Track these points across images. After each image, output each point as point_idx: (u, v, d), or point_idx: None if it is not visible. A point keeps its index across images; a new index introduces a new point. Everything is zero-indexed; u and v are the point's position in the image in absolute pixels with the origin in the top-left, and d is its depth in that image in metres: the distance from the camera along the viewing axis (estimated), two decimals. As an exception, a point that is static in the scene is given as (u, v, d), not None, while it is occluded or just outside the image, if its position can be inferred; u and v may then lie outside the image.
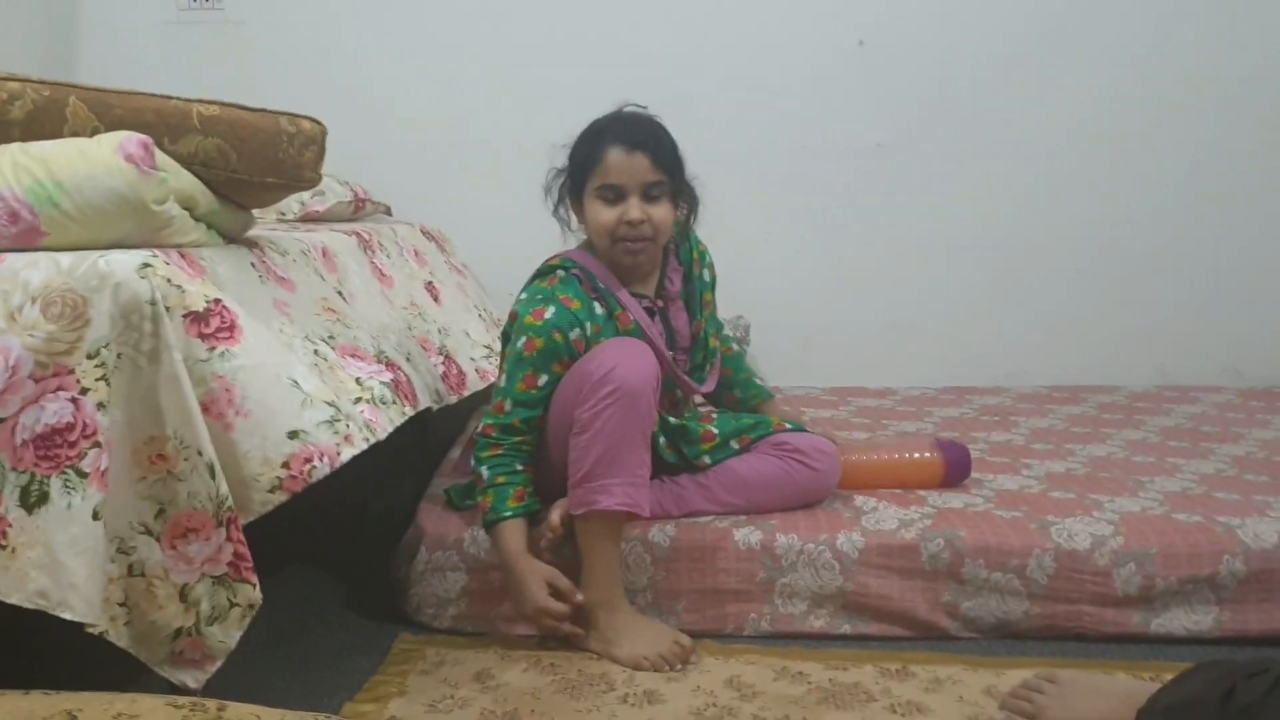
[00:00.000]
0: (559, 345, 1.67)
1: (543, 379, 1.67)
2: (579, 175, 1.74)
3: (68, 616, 1.18)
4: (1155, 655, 1.62)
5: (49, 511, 1.19)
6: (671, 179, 1.71)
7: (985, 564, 1.67)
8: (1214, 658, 1.34)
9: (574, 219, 1.81)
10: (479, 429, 1.72)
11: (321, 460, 1.30)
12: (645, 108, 1.76)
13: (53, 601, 1.18)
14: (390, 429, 1.51)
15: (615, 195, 1.69)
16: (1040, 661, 1.57)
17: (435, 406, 1.87)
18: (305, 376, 1.34)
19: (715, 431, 1.80)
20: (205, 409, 1.25)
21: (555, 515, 1.65)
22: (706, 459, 1.78)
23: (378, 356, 1.64)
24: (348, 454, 1.34)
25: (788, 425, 1.85)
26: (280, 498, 1.28)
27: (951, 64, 3.00)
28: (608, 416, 1.57)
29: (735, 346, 2.12)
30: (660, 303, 1.80)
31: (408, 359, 1.84)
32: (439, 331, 2.15)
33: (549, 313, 1.68)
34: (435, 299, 2.32)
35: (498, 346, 2.39)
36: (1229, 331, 3.10)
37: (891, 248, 3.06)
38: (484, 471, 1.68)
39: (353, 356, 1.57)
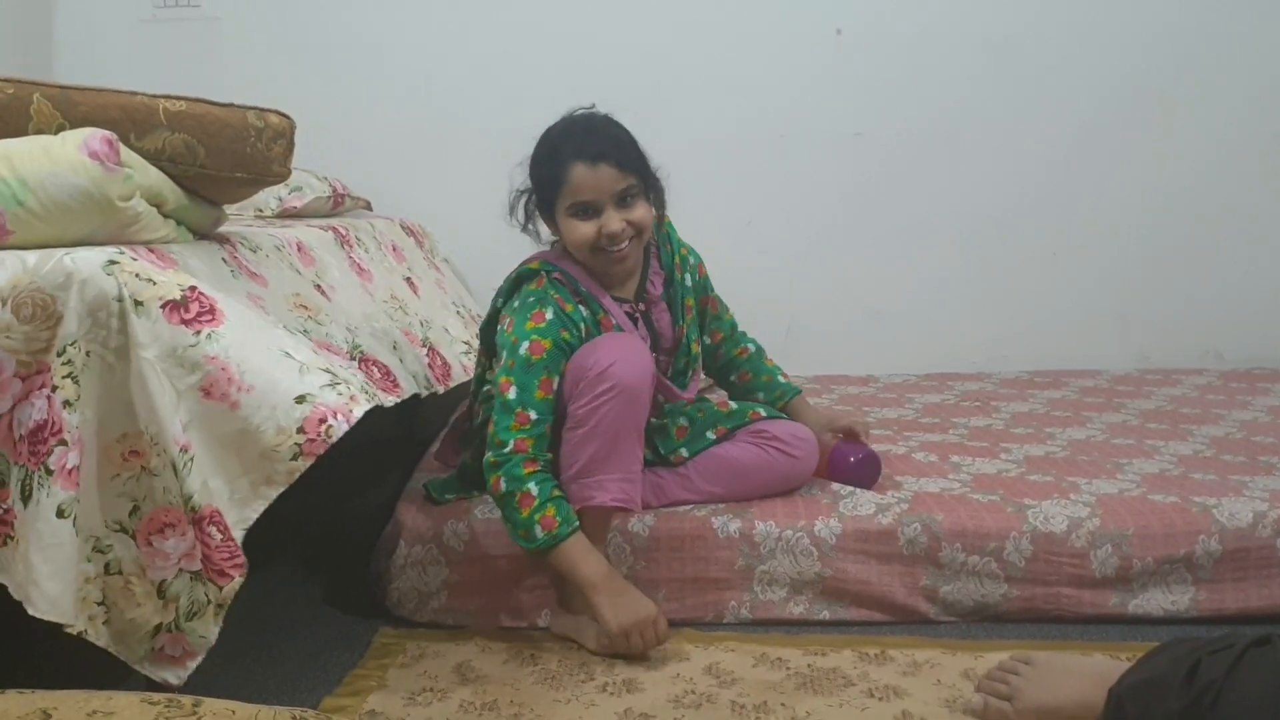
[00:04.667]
0: (566, 343, 1.63)
1: (556, 380, 1.62)
2: (546, 195, 1.68)
3: (31, 611, 1.19)
4: (1133, 636, 1.63)
5: (28, 506, 1.20)
6: (640, 177, 1.67)
7: (963, 548, 1.68)
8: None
9: (544, 231, 1.76)
10: (508, 447, 1.58)
11: (336, 418, 1.26)
12: (593, 106, 1.71)
13: (22, 595, 1.19)
14: (368, 407, 1.47)
15: (589, 211, 1.64)
16: (1019, 644, 1.58)
17: (423, 394, 1.85)
18: (294, 348, 1.33)
19: (686, 425, 1.81)
20: (207, 392, 1.23)
21: None
22: (683, 452, 1.78)
23: (351, 353, 1.63)
24: (359, 411, 1.30)
25: (763, 413, 1.85)
26: (304, 464, 1.25)
27: (929, 52, 3.00)
28: (604, 413, 1.56)
29: (752, 346, 1.99)
30: (642, 306, 1.77)
31: (393, 347, 1.83)
32: (421, 325, 2.14)
33: (549, 314, 1.64)
34: (415, 294, 2.31)
35: (476, 343, 2.39)
36: (1210, 314, 3.10)
37: (872, 236, 3.06)
38: (533, 489, 1.56)
39: (327, 351, 1.56)
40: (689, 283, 1.83)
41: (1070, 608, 1.68)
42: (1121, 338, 3.10)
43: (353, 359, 1.62)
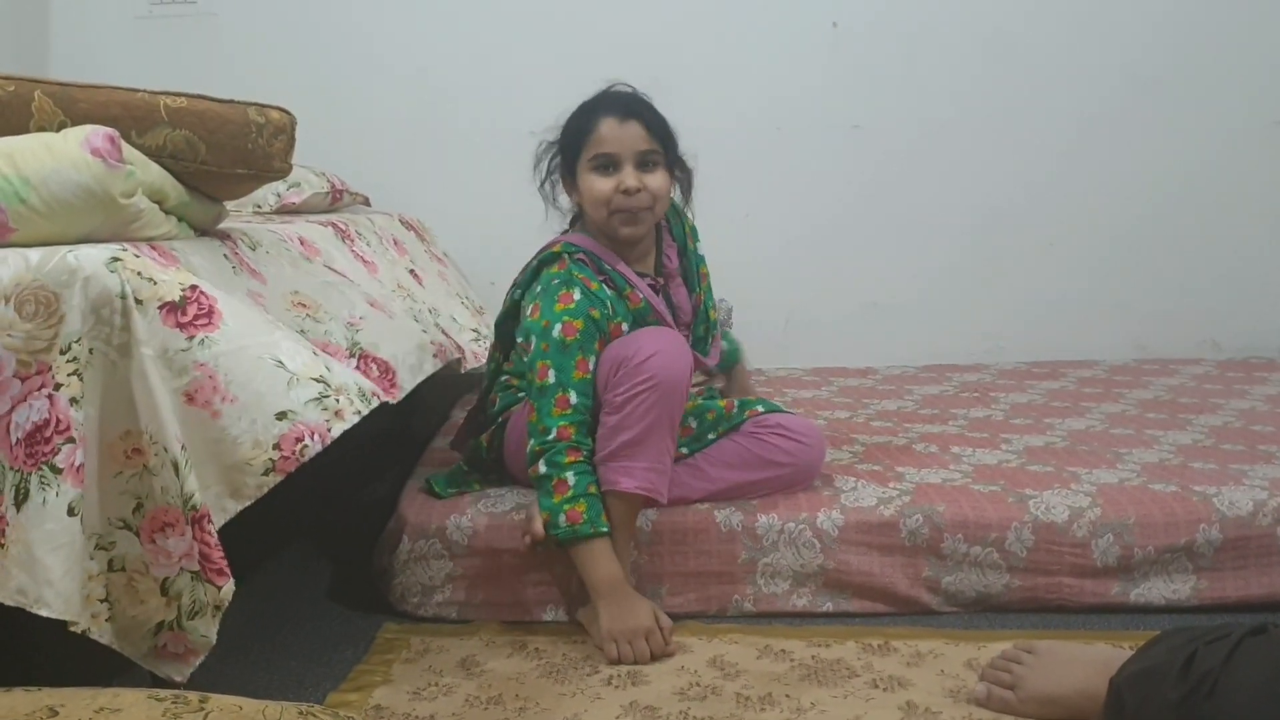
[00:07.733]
0: (597, 322, 1.64)
1: (592, 361, 1.63)
2: (571, 149, 1.71)
3: (44, 613, 1.17)
4: (1135, 625, 1.63)
5: (28, 508, 1.18)
6: (665, 149, 1.70)
7: (964, 538, 1.68)
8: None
9: (561, 198, 1.79)
10: (551, 434, 1.60)
11: (313, 438, 1.27)
12: (633, 88, 1.75)
13: (30, 598, 1.18)
14: (349, 425, 1.39)
15: (610, 164, 1.67)
16: (1021, 634, 1.58)
17: (443, 363, 1.85)
18: (291, 354, 1.32)
19: (694, 425, 1.80)
20: (190, 398, 1.23)
21: (538, 523, 1.62)
22: (683, 449, 1.77)
23: (350, 349, 1.62)
24: (339, 429, 1.30)
25: (761, 409, 1.83)
26: (274, 480, 1.26)
27: (926, 45, 3.00)
28: (640, 401, 1.57)
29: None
30: (661, 280, 1.79)
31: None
32: (429, 312, 2.14)
33: (577, 294, 1.65)
34: (420, 285, 2.31)
35: (485, 331, 2.39)
36: (1207, 304, 3.12)
37: (870, 228, 3.07)
38: (569, 478, 1.58)
39: (324, 351, 1.55)
40: (701, 251, 1.86)
41: (1072, 597, 1.68)
42: (1119, 328, 3.12)
43: (352, 356, 1.61)
